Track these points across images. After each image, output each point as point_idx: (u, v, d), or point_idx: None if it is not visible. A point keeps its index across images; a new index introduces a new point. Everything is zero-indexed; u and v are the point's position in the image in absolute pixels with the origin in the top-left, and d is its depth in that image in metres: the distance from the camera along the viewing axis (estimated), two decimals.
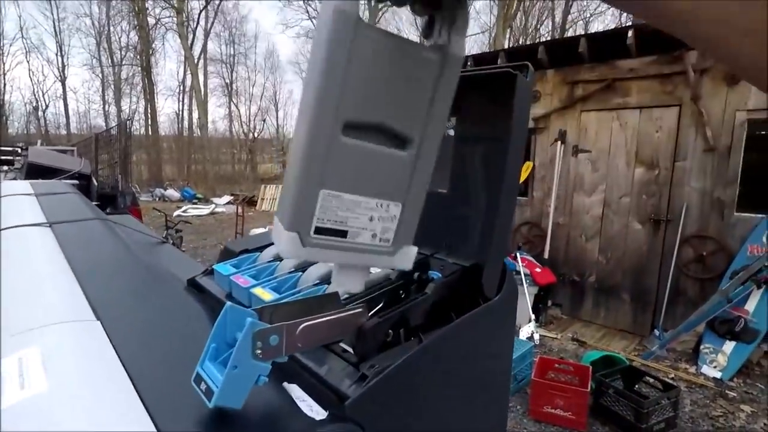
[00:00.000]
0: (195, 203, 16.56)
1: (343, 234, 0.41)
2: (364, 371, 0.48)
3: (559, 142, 4.99)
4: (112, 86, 25.89)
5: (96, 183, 5.74)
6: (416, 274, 0.64)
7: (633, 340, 4.56)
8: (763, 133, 4.48)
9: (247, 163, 25.96)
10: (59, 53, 25.17)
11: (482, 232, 0.64)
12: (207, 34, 26.19)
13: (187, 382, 0.46)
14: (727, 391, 3.54)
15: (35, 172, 4.23)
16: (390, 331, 0.54)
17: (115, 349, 0.56)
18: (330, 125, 0.37)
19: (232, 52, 27.73)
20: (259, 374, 0.43)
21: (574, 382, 3.32)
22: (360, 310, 0.51)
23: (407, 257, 0.45)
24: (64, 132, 25.60)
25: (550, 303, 5.09)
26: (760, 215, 3.97)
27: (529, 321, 4.56)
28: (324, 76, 0.35)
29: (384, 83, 0.38)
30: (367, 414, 0.46)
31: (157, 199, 17.38)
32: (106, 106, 26.18)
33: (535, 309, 4.78)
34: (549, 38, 19.43)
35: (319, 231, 0.40)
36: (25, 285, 0.76)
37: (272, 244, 0.81)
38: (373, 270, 0.68)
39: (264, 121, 28.19)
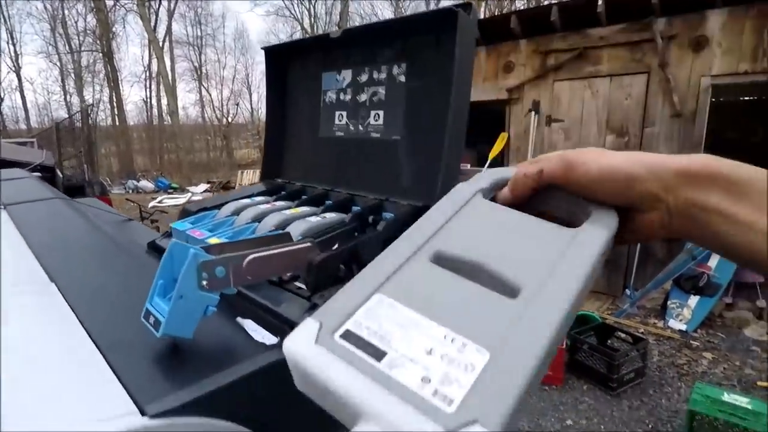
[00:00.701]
0: (171, 193, 16.18)
1: (378, 355, 0.26)
2: (315, 301, 0.50)
3: (533, 113, 5.04)
4: (72, 75, 24.76)
5: (61, 175, 5.55)
6: (371, 217, 0.66)
7: (606, 301, 4.75)
8: (724, 99, 4.63)
9: (222, 149, 25.41)
10: (10, 41, 23.83)
11: (432, 174, 0.66)
12: (171, 15, 25.16)
13: (139, 324, 0.47)
14: (691, 342, 3.74)
15: None
16: (342, 266, 0.56)
17: (69, 305, 0.57)
18: (418, 244, 0.32)
19: (199, 34, 26.77)
20: (207, 305, 0.45)
21: None
22: (309, 244, 0.52)
23: None
24: (23, 126, 24.47)
25: None
26: None
27: None
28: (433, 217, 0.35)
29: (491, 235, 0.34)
30: None
31: (130, 191, 16.89)
32: (68, 97, 25.06)
33: None
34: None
35: (347, 336, 0.27)
36: None
37: (230, 201, 0.81)
38: (328, 215, 0.70)
39: (237, 104, 27.53)
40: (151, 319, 0.44)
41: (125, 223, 1.46)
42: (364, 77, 0.82)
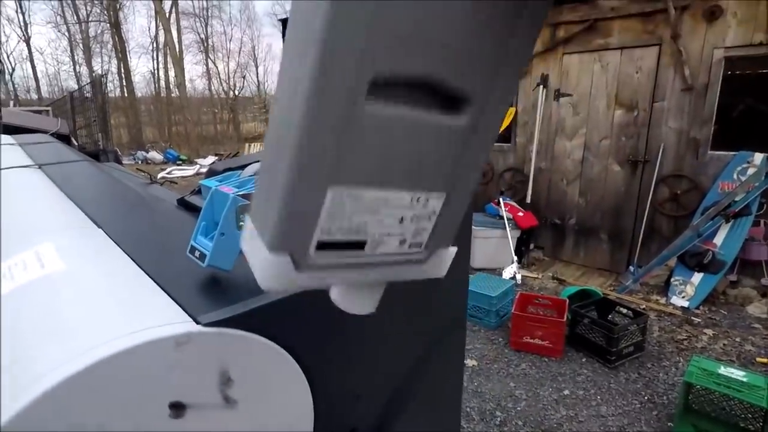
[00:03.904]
0: (179, 164, 16.31)
1: (359, 246, 0.29)
2: None
3: (541, 87, 5.00)
4: (81, 45, 24.63)
5: (76, 143, 5.64)
6: None
7: (610, 277, 4.82)
8: (737, 72, 4.54)
9: (229, 122, 25.39)
10: (19, 10, 23.67)
11: None
12: None
13: (184, 260, 0.54)
14: (692, 318, 3.81)
15: (11, 133, 4.14)
16: None
17: (117, 245, 0.64)
18: (346, 84, 0.23)
19: (205, 5, 26.37)
20: None
21: (553, 315, 3.55)
22: None
23: (443, 263, 0.33)
24: (35, 96, 24.54)
25: (532, 246, 5.29)
26: (732, 153, 4.11)
27: (512, 263, 4.76)
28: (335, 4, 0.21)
29: (435, 18, 0.24)
30: None
31: (139, 162, 17.05)
32: (77, 67, 25.01)
33: (518, 252, 4.98)
34: None
35: (324, 246, 0.27)
36: (23, 210, 0.83)
37: (252, 163, 0.88)
38: None
39: (244, 77, 27.30)
40: (197, 253, 0.52)
41: (149, 185, 1.54)
42: None
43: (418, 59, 0.24)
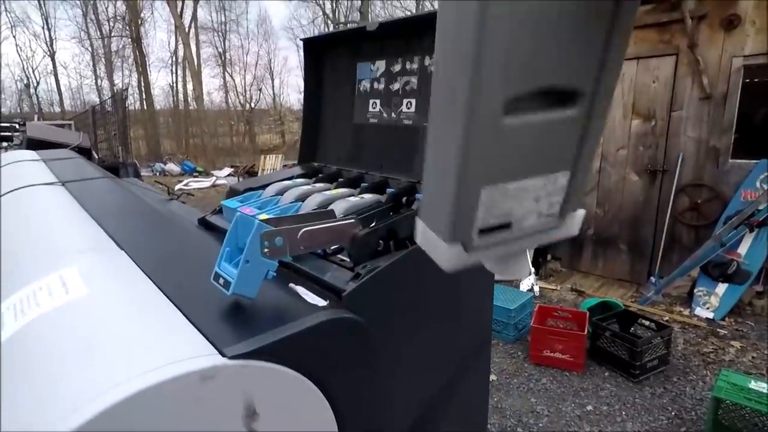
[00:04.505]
0: (196, 176, 16.57)
1: (508, 226, 0.37)
2: (358, 271, 0.56)
3: None
4: (103, 60, 25.36)
5: (97, 156, 5.77)
6: (404, 198, 0.71)
7: (630, 288, 4.70)
8: (757, 80, 4.44)
9: (245, 134, 25.75)
10: (45, 26, 24.54)
11: None
12: (196, 0, 25.37)
13: (207, 286, 0.54)
14: (718, 330, 3.69)
15: (35, 147, 4.25)
16: (381, 241, 0.62)
17: (140, 268, 0.64)
18: (491, 108, 0.30)
19: (223, 20, 26.95)
20: (268, 269, 0.51)
21: (573, 327, 3.47)
22: (353, 221, 0.58)
23: (575, 222, 0.40)
24: (58, 109, 25.32)
25: (549, 257, 5.21)
26: (754, 161, 4.00)
27: (530, 274, 4.69)
28: (476, 47, 0.28)
29: (548, 38, 0.30)
30: (360, 304, 0.54)
31: (157, 173, 17.37)
32: (99, 81, 25.73)
33: (536, 263, 4.90)
34: None
35: (483, 232, 0.36)
36: (48, 229, 0.83)
37: (273, 183, 0.88)
38: (365, 196, 0.75)
39: (260, 90, 27.72)
40: (221, 281, 0.51)
41: (168, 202, 1.56)
42: (397, 67, 0.87)
43: (540, 76, 0.31)
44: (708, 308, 3.93)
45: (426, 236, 0.38)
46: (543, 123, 0.33)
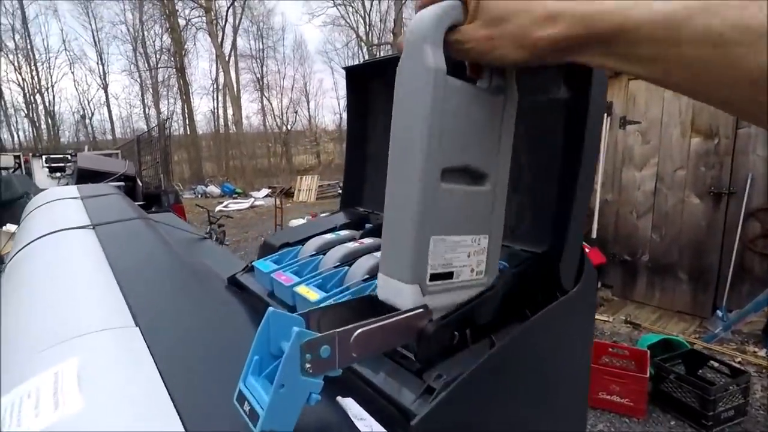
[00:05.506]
0: (235, 198, 17.02)
1: (450, 275, 0.45)
2: (430, 383, 0.41)
3: (605, 115, 4.70)
4: (150, 89, 26.85)
5: (141, 184, 5.96)
6: None
7: (692, 322, 4.28)
8: None
9: (282, 155, 26.38)
10: (100, 62, 26.36)
11: (557, 212, 0.55)
12: (236, 31, 26.59)
13: (229, 399, 0.40)
14: None
15: (85, 176, 4.40)
16: (455, 332, 0.47)
17: (153, 358, 0.52)
18: (434, 174, 0.41)
19: (261, 47, 28.06)
20: (310, 392, 0.37)
21: (630, 367, 3.15)
22: (421, 310, 0.43)
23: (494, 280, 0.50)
24: (110, 137, 26.93)
25: (600, 284, 4.85)
26: None
27: None
28: (427, 131, 0.39)
29: (466, 128, 0.42)
30: None
31: (199, 195, 17.98)
32: (146, 109, 27.23)
33: None
34: None
35: (433, 277, 0.44)
36: (65, 292, 0.74)
37: (313, 236, 0.75)
38: None
39: (296, 112, 28.45)
40: (246, 407, 0.38)
41: (201, 243, 1.47)
42: None
43: (462, 156, 0.44)
44: None
45: (388, 285, 0.44)
46: (465, 192, 0.45)
